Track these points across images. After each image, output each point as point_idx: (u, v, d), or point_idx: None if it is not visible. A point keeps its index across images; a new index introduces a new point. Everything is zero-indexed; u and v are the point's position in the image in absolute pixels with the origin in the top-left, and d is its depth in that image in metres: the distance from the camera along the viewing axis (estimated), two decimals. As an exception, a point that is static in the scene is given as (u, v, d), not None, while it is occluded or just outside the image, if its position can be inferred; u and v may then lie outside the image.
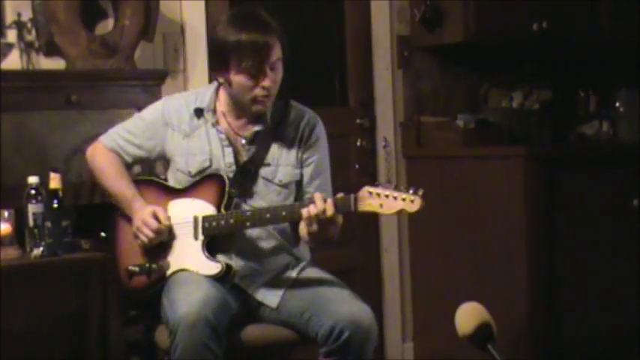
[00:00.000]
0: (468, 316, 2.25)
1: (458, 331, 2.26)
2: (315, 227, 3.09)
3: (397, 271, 5.22)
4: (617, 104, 5.50)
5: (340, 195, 3.08)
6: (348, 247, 5.04)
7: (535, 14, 5.10)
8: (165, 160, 3.51)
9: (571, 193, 4.75)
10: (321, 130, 3.47)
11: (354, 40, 5.14)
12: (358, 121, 5.13)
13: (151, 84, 4.06)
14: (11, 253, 3.47)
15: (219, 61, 3.29)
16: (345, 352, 3.14)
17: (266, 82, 3.24)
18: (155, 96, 3.99)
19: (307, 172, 3.41)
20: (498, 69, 5.44)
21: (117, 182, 3.47)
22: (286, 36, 3.32)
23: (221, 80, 3.34)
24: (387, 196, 2.98)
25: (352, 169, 5.06)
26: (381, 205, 2.99)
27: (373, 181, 3.03)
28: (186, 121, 3.41)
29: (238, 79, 3.26)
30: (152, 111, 3.50)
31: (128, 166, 3.53)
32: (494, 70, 5.44)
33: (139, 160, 3.55)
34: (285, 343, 3.38)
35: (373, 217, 5.12)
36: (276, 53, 3.25)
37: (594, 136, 5.44)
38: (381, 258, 5.21)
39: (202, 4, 4.54)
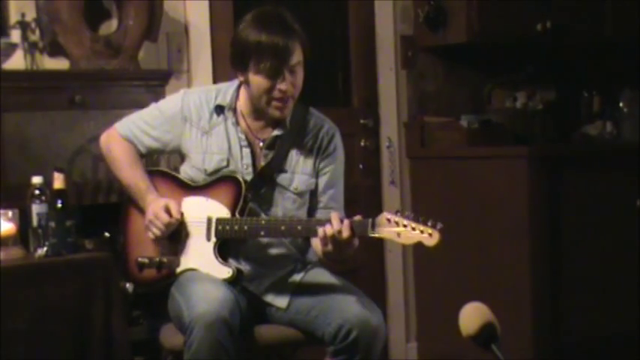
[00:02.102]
0: (472, 316, 2.25)
1: (462, 332, 2.26)
2: (330, 247, 3.04)
3: (401, 271, 5.23)
4: (621, 104, 5.49)
5: (358, 218, 3.03)
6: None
7: (539, 14, 5.10)
8: (179, 155, 3.47)
9: (574, 193, 4.75)
10: (339, 141, 3.44)
11: (358, 40, 5.15)
12: (362, 121, 5.13)
13: (154, 84, 4.06)
14: (15, 253, 3.48)
15: (239, 59, 3.26)
16: (353, 351, 3.13)
17: (283, 86, 3.21)
18: (159, 96, 3.98)
19: (322, 181, 3.39)
20: (502, 69, 5.44)
21: (130, 172, 3.43)
22: (309, 41, 3.28)
23: (241, 79, 3.31)
24: (405, 226, 2.93)
25: (356, 169, 5.06)
26: (398, 235, 2.94)
27: (394, 210, 2.97)
28: (205, 117, 3.37)
29: (256, 79, 3.22)
30: (171, 105, 3.44)
31: (142, 156, 3.49)
32: (498, 70, 5.44)
33: (153, 152, 3.51)
34: (291, 343, 3.37)
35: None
36: (297, 57, 3.21)
37: (598, 136, 5.44)
38: (384, 258, 5.21)
39: (206, 4, 4.54)
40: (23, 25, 3.97)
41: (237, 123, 3.36)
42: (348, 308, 3.16)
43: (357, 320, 3.12)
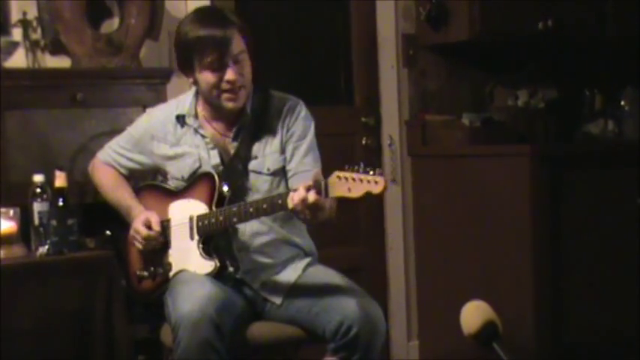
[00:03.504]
0: (474, 314, 2.25)
1: (463, 330, 2.26)
2: (302, 215, 3.04)
3: (402, 269, 5.22)
4: (623, 103, 5.49)
5: (315, 181, 3.00)
6: (354, 246, 5.05)
7: (541, 13, 5.09)
8: (160, 174, 3.55)
9: (576, 192, 4.74)
10: (302, 110, 3.44)
11: (360, 39, 5.14)
12: (363, 119, 5.12)
13: (156, 82, 4.07)
14: (17, 251, 3.48)
15: (183, 59, 3.31)
16: (354, 348, 3.13)
17: (229, 76, 3.24)
18: (160, 94, 4.00)
19: (288, 150, 3.39)
20: (504, 67, 5.44)
21: (114, 194, 3.54)
22: (249, 29, 3.30)
23: (191, 80, 3.35)
24: (354, 180, 2.91)
25: (357, 167, 5.04)
26: (349, 189, 2.91)
27: (343, 165, 2.94)
28: (170, 131, 3.43)
29: (203, 76, 3.26)
30: (138, 127, 3.53)
31: (126, 178, 3.58)
32: (500, 68, 5.43)
33: (134, 173, 3.59)
34: (291, 341, 3.37)
35: (378, 216, 5.13)
36: (237, 46, 3.24)
37: (600, 134, 5.43)
38: (386, 256, 5.20)
39: (207, 3, 4.54)
40: (25, 24, 3.98)
41: (201, 127, 3.40)
42: (349, 305, 3.16)
43: (358, 317, 3.12)
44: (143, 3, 4.09)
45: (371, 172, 2.89)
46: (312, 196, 2.96)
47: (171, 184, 3.46)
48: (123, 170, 3.55)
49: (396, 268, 5.22)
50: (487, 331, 2.22)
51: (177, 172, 3.42)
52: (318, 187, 2.96)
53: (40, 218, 3.50)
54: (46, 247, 3.45)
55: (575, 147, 5.20)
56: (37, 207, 3.52)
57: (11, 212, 3.52)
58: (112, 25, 4.23)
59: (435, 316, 5.11)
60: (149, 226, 3.35)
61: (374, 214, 5.12)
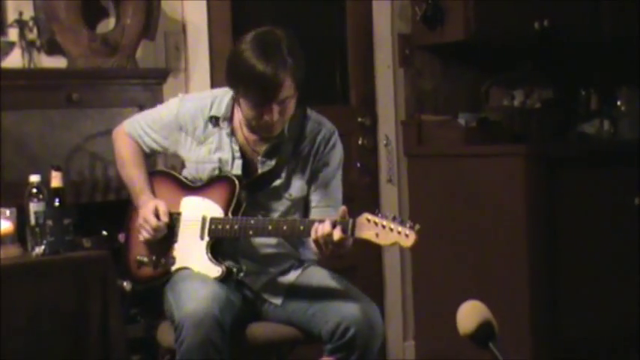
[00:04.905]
0: (469, 314, 2.25)
1: (459, 330, 2.25)
2: (324, 249, 3.04)
3: (398, 269, 5.23)
4: (619, 103, 5.49)
5: (341, 218, 3.01)
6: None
7: (536, 13, 5.10)
8: (180, 160, 3.51)
9: (572, 192, 4.75)
10: (335, 143, 3.41)
11: (356, 39, 5.14)
12: (359, 119, 5.13)
13: (152, 83, 4.06)
14: (12, 251, 3.48)
15: (231, 79, 3.22)
16: (351, 349, 3.13)
17: (269, 117, 3.17)
18: (156, 94, 4.00)
19: (315, 180, 3.37)
20: (500, 67, 5.44)
21: (130, 171, 3.49)
22: (302, 70, 3.18)
23: (235, 94, 3.27)
24: (383, 227, 2.93)
25: (353, 167, 5.06)
26: (376, 235, 2.94)
27: (374, 209, 2.97)
28: (200, 127, 3.38)
29: (244, 104, 3.20)
30: (167, 112, 3.45)
31: (147, 155, 3.53)
32: (496, 68, 5.44)
33: (155, 152, 3.54)
34: (288, 341, 3.37)
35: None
36: (286, 91, 3.13)
37: (595, 134, 5.43)
38: (382, 256, 5.21)
39: (204, 3, 4.54)
40: (21, 24, 3.97)
41: (232, 133, 3.35)
42: (346, 306, 3.16)
43: (355, 318, 3.12)
44: (139, 3, 4.08)
45: (407, 224, 2.91)
46: (337, 234, 2.98)
47: (188, 177, 3.42)
48: (145, 148, 3.49)
49: (392, 268, 5.22)
50: (483, 331, 2.22)
51: (196, 172, 3.39)
52: (345, 225, 2.98)
53: (37, 218, 3.49)
54: (42, 247, 3.44)
55: (571, 147, 5.20)
56: (33, 207, 3.51)
57: (7, 212, 3.51)
58: (107, 25, 4.22)
59: (431, 316, 5.11)
60: (157, 216, 3.32)
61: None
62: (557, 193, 4.70)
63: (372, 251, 5.14)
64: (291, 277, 3.39)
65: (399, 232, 2.90)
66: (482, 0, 4.95)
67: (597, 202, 4.83)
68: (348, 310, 3.14)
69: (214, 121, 3.36)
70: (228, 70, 3.23)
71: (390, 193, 5.17)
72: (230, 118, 3.36)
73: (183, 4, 4.47)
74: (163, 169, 3.62)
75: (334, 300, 3.21)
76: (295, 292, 3.34)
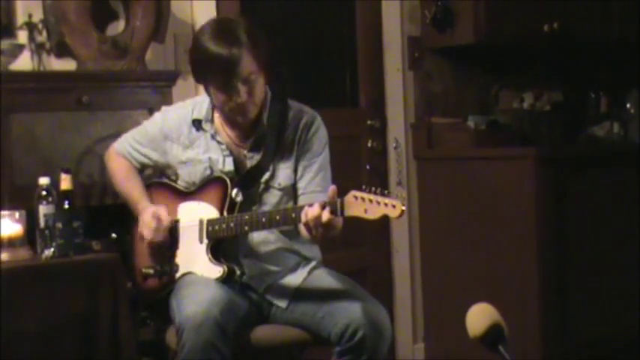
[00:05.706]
0: (479, 317, 2.25)
1: (469, 332, 2.25)
2: (314, 231, 3.03)
3: (408, 271, 5.23)
4: (628, 105, 5.49)
5: (330, 200, 3.01)
6: (359, 248, 5.05)
7: (546, 15, 5.10)
8: (171, 172, 3.52)
9: (582, 194, 4.74)
10: (319, 127, 3.42)
11: (365, 41, 5.14)
12: (369, 122, 5.13)
13: (161, 85, 4.06)
14: (22, 254, 3.48)
15: (197, 72, 3.28)
16: (359, 351, 3.13)
17: (238, 98, 3.21)
18: (166, 97, 4.00)
19: (300, 167, 3.38)
20: (509, 70, 5.44)
21: (125, 185, 3.54)
22: (264, 45, 3.22)
23: (205, 89, 3.33)
24: (370, 201, 2.89)
25: (363, 170, 5.06)
26: (365, 211, 2.91)
27: (361, 185, 2.95)
28: (185, 133, 3.42)
29: (213, 90, 3.25)
30: (152, 125, 3.52)
31: (139, 170, 3.57)
32: (505, 71, 5.44)
33: (146, 167, 3.59)
34: (296, 344, 3.37)
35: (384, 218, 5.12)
36: (247, 67, 3.17)
37: (605, 137, 5.43)
38: (391, 259, 5.20)
39: (213, 4, 4.54)
40: (30, 26, 3.97)
41: (217, 133, 3.39)
42: (355, 308, 3.15)
43: (364, 320, 3.12)
44: (148, 5, 4.08)
45: (392, 195, 2.88)
46: (326, 215, 2.97)
47: (182, 184, 3.46)
48: (136, 164, 3.54)
49: (402, 271, 5.22)
50: (492, 333, 2.21)
51: (189, 176, 3.42)
52: (333, 206, 2.97)
53: (46, 221, 3.50)
54: (52, 249, 3.45)
55: (580, 149, 5.20)
56: (43, 210, 3.52)
57: (17, 215, 3.51)
58: (117, 27, 4.23)
59: (440, 318, 5.11)
60: (158, 219, 3.34)
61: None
62: (566, 195, 4.70)
63: (382, 254, 5.15)
64: (298, 279, 3.39)
65: (386, 204, 2.86)
66: (492, 3, 4.95)
67: (606, 205, 4.82)
68: (356, 313, 3.14)
69: (197, 124, 3.41)
70: (190, 60, 3.30)
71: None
72: (212, 120, 3.40)
73: (193, 6, 4.47)
74: (158, 180, 3.63)
75: (343, 302, 3.21)
76: (302, 294, 3.34)
